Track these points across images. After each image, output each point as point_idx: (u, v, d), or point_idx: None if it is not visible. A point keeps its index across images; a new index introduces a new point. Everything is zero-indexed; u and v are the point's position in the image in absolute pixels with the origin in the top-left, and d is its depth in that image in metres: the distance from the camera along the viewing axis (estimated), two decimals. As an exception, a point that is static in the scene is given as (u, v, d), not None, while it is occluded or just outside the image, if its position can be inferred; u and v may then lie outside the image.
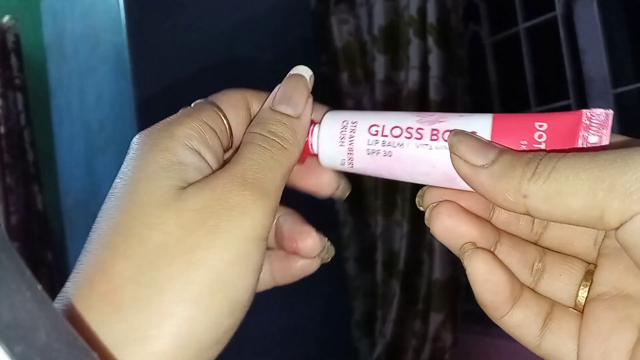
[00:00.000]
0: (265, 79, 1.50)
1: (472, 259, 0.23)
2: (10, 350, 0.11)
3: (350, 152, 0.27)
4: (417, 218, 1.38)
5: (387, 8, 1.46)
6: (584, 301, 0.23)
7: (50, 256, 1.73)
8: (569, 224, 0.20)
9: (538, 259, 0.25)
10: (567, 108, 1.35)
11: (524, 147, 0.23)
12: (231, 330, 0.22)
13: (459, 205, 0.25)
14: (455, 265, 1.40)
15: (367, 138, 0.26)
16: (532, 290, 0.24)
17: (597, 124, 0.22)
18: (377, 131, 0.26)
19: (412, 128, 0.26)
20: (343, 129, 0.27)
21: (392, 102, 1.46)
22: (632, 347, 0.20)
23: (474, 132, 0.24)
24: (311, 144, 0.28)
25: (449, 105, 1.37)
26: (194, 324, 0.20)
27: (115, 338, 0.20)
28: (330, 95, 1.58)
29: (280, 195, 0.24)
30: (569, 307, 0.24)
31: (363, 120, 0.27)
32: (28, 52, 1.77)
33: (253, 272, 0.22)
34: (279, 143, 0.25)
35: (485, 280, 0.23)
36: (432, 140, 0.25)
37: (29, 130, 1.74)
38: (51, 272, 1.73)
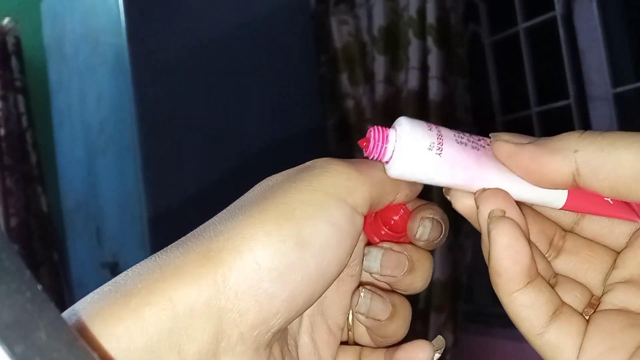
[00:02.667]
0: (265, 79, 1.51)
1: (499, 222, 0.23)
2: (10, 350, 0.11)
3: (440, 136, 0.24)
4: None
5: (386, 8, 1.46)
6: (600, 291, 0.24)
7: (55, 257, 1.74)
8: (616, 185, 0.21)
9: (559, 237, 0.25)
10: (567, 107, 1.35)
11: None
12: (299, 271, 0.21)
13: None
14: (455, 266, 1.40)
15: (453, 132, 0.25)
16: (548, 283, 0.24)
17: None
18: (461, 135, 0.25)
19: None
20: (428, 125, 0.25)
21: (392, 103, 1.46)
22: (637, 347, 0.20)
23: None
24: (384, 147, 0.25)
25: (449, 105, 1.37)
26: (257, 245, 0.21)
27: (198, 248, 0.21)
28: (330, 95, 1.58)
29: (377, 191, 0.25)
30: (579, 311, 0.24)
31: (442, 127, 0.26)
32: (28, 54, 1.77)
33: (327, 221, 0.22)
34: None
35: (508, 246, 0.22)
36: None
37: (31, 132, 1.74)
38: (54, 272, 1.73)
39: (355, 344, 0.28)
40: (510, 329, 1.61)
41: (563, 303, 0.24)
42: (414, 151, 0.24)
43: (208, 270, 0.20)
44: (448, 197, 0.26)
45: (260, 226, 0.21)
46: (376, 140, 0.25)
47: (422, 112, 1.38)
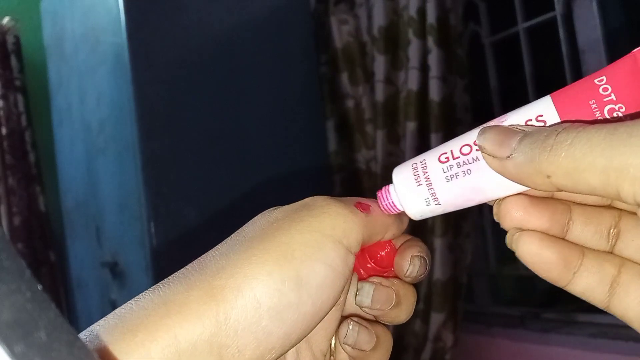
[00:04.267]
0: (265, 79, 1.51)
1: (519, 242, 0.24)
2: (10, 350, 0.11)
3: (430, 187, 0.26)
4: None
5: (386, 8, 1.47)
6: None
7: (53, 256, 1.73)
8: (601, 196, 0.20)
9: (613, 225, 0.25)
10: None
11: (595, 108, 0.23)
12: (296, 310, 0.22)
13: (526, 196, 0.25)
14: (455, 266, 1.40)
15: (441, 167, 0.26)
16: (596, 254, 0.24)
17: None
18: (447, 157, 0.26)
19: None
20: (415, 171, 0.26)
21: (392, 103, 1.46)
22: None
23: (539, 117, 0.24)
24: (392, 202, 0.27)
25: (449, 105, 1.37)
26: (259, 285, 0.22)
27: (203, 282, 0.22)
28: (330, 95, 1.58)
29: (368, 230, 0.26)
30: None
31: (430, 155, 0.26)
32: (28, 53, 1.77)
33: (324, 263, 0.23)
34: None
35: (534, 262, 0.23)
36: None
37: (30, 131, 1.74)
38: (53, 272, 1.73)
39: None
40: (510, 328, 1.61)
41: (620, 267, 0.24)
42: (416, 208, 0.27)
43: (210, 307, 0.21)
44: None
45: (262, 266, 0.22)
46: (383, 201, 0.28)
47: (422, 112, 1.38)
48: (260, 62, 1.36)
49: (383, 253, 0.29)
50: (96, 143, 1.42)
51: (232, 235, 0.25)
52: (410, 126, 1.39)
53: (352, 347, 0.27)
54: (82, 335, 0.22)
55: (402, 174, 0.27)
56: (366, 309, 0.28)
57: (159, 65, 1.23)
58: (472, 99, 1.42)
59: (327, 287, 0.23)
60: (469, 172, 0.25)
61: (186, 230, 1.18)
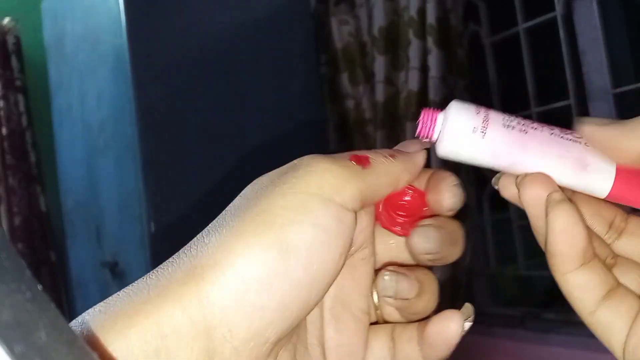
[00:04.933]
0: (265, 79, 1.51)
1: (558, 206, 0.23)
2: (10, 350, 0.11)
3: (486, 120, 0.25)
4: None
5: (387, 9, 1.47)
6: None
7: (53, 256, 1.73)
8: None
9: (621, 219, 0.26)
10: (567, 108, 1.35)
11: None
12: (285, 278, 0.21)
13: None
14: (454, 266, 1.40)
15: (503, 116, 0.26)
16: (603, 264, 0.24)
17: None
18: (510, 117, 0.26)
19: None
20: (477, 108, 0.26)
21: (392, 103, 1.46)
22: None
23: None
24: (432, 128, 0.26)
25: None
26: (238, 258, 0.21)
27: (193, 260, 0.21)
28: (330, 95, 1.58)
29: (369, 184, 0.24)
30: (637, 293, 0.24)
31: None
32: (28, 54, 1.77)
33: (310, 224, 0.21)
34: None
35: (564, 230, 0.23)
36: (565, 134, 0.26)
37: (30, 131, 1.74)
38: (54, 272, 1.73)
39: (385, 322, 0.27)
40: (510, 329, 1.61)
41: (618, 284, 0.24)
42: (458, 133, 0.25)
43: (190, 288, 0.20)
44: (496, 187, 0.26)
45: (239, 237, 0.21)
46: (425, 121, 0.26)
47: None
48: (261, 62, 1.36)
49: (408, 199, 0.27)
50: (96, 143, 1.42)
51: (222, 212, 0.24)
52: (410, 127, 1.39)
53: (395, 298, 0.25)
54: (73, 323, 0.21)
55: (462, 105, 0.26)
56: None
57: (159, 66, 1.24)
58: (472, 99, 1.41)
59: (319, 249, 0.21)
60: (525, 132, 0.25)
61: (186, 230, 1.17)
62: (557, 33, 1.35)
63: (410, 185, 0.26)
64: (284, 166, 0.24)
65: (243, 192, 0.24)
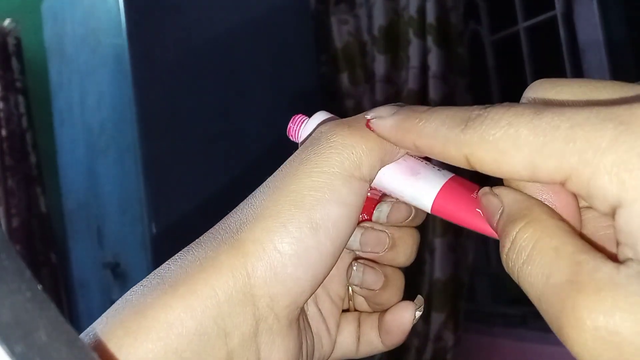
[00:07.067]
0: (265, 79, 1.51)
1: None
2: (10, 350, 0.11)
3: None
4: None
5: (386, 8, 1.47)
6: None
7: (54, 257, 1.74)
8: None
9: None
10: (567, 107, 1.35)
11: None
12: (317, 252, 0.23)
13: None
14: (457, 265, 1.40)
15: None
16: None
17: None
18: None
19: None
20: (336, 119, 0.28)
21: (392, 102, 1.46)
22: None
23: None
24: (297, 131, 0.28)
25: (449, 104, 1.36)
26: (276, 236, 0.23)
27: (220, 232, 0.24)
28: (330, 95, 1.58)
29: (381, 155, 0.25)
30: None
31: None
32: (29, 55, 1.77)
33: (335, 202, 0.23)
34: None
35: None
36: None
37: (31, 132, 1.74)
38: (55, 273, 1.73)
39: (356, 310, 0.31)
40: (512, 328, 1.61)
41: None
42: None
43: (238, 260, 0.23)
44: None
45: (275, 218, 0.23)
46: (293, 124, 0.29)
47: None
48: (261, 62, 1.36)
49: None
50: (97, 144, 1.42)
51: (258, 188, 0.26)
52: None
53: (360, 287, 0.29)
54: (128, 293, 0.23)
55: (326, 114, 0.28)
56: (359, 253, 0.29)
57: (159, 66, 1.24)
58: (472, 98, 1.41)
59: (343, 223, 0.24)
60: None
61: (187, 231, 1.17)
62: (557, 32, 1.34)
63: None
64: (308, 140, 0.26)
65: (281, 169, 0.26)
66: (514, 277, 0.19)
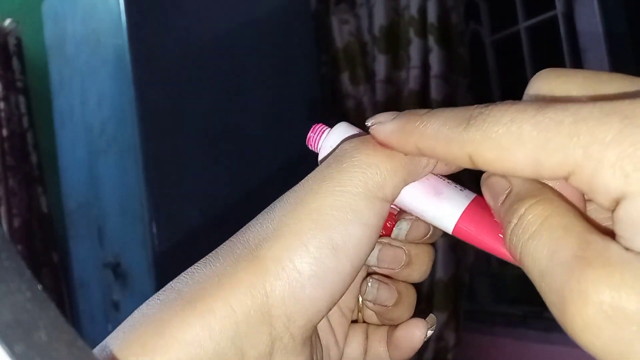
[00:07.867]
0: (265, 79, 1.51)
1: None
2: (10, 350, 0.11)
3: None
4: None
5: (387, 8, 1.47)
6: None
7: (55, 258, 1.74)
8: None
9: None
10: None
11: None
12: (336, 273, 0.23)
13: None
14: (457, 265, 1.40)
15: None
16: None
17: None
18: None
19: None
20: (360, 131, 0.27)
21: (393, 102, 1.46)
22: None
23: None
24: (317, 141, 0.28)
25: (450, 104, 1.37)
26: (296, 256, 0.23)
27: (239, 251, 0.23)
28: (331, 95, 1.58)
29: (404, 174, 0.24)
30: None
31: None
32: (29, 55, 1.77)
33: (357, 223, 0.23)
34: None
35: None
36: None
37: (32, 132, 1.74)
38: (56, 273, 1.73)
39: (364, 322, 0.31)
40: (513, 328, 1.61)
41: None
42: (334, 148, 0.27)
43: (258, 278, 0.22)
44: None
45: (296, 237, 0.23)
46: (314, 133, 0.29)
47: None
48: (261, 62, 1.36)
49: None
50: (98, 144, 1.43)
51: (275, 201, 0.25)
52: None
53: (373, 303, 0.28)
54: (144, 306, 0.23)
55: (349, 126, 0.28)
56: (375, 268, 0.28)
57: (160, 66, 1.24)
58: (473, 98, 1.41)
59: (363, 244, 0.24)
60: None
61: (188, 231, 1.18)
62: (557, 31, 1.34)
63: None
64: (331, 156, 0.25)
65: (296, 187, 0.25)
66: (516, 254, 0.19)
